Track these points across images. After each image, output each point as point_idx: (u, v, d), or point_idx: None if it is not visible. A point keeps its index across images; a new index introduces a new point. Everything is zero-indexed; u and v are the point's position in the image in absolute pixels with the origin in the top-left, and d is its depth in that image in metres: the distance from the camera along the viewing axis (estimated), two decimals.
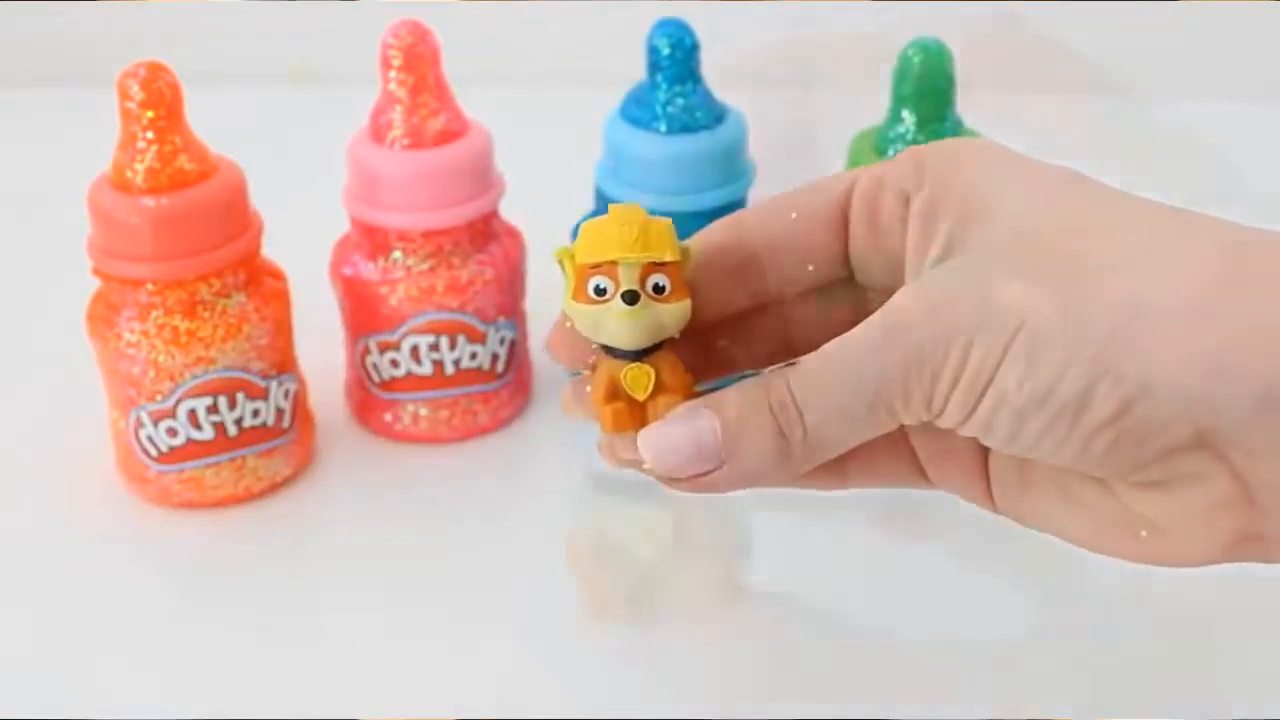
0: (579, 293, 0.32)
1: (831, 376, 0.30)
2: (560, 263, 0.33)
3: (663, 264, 0.32)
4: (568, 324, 0.34)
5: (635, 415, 0.32)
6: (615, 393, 0.32)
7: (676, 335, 0.33)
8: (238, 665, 0.46)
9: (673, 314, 0.32)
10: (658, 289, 0.32)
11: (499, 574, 0.50)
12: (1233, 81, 0.81)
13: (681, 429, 0.31)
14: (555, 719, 0.43)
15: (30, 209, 0.74)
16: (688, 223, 0.36)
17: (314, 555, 0.51)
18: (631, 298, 0.31)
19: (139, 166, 0.48)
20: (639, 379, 0.32)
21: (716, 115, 0.54)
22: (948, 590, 0.49)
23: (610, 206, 0.33)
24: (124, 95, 0.47)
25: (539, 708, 0.44)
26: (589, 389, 0.33)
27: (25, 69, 0.89)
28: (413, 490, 0.54)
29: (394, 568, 0.50)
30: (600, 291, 0.31)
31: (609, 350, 0.33)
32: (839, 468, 0.35)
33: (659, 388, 0.32)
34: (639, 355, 0.32)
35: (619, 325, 0.31)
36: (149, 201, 0.48)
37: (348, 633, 0.48)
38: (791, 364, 0.31)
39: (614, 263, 0.31)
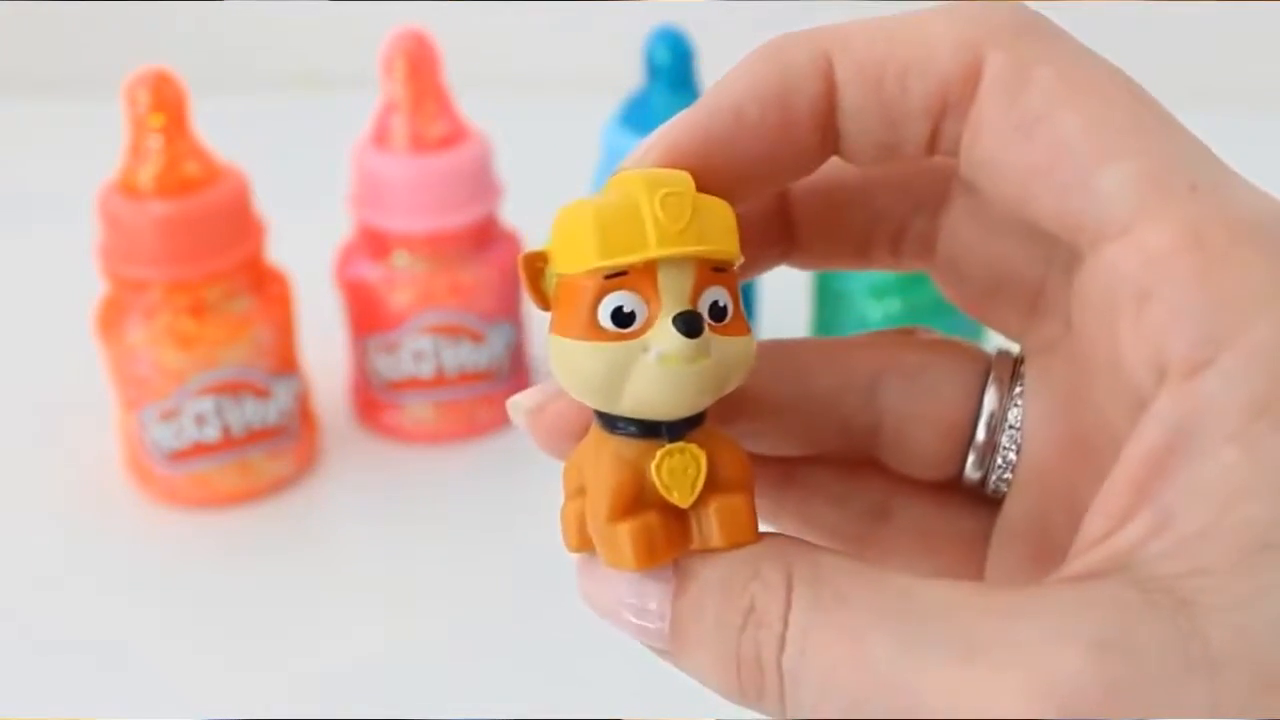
0: (572, 321, 0.19)
1: None
2: (527, 273, 0.20)
3: (725, 268, 0.19)
4: (555, 387, 0.21)
5: (674, 536, 0.19)
6: (635, 499, 0.19)
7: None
8: (241, 662, 0.47)
9: (740, 357, 0.19)
10: (718, 313, 0.19)
11: (500, 573, 0.51)
12: (1233, 87, 0.81)
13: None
14: (557, 719, 0.44)
15: (40, 214, 0.75)
16: None
17: (317, 553, 0.52)
18: (692, 325, 0.18)
19: (146, 172, 0.48)
20: (684, 470, 0.19)
21: None
22: None
23: (625, 172, 0.20)
24: (131, 102, 0.48)
25: (540, 707, 0.44)
26: (572, 499, 0.20)
27: (33, 76, 0.90)
28: (415, 490, 0.55)
29: (396, 566, 0.51)
30: (625, 319, 0.19)
31: (615, 426, 0.19)
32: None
33: (712, 484, 0.19)
34: (674, 431, 0.19)
35: (664, 380, 0.18)
36: (156, 206, 0.48)
37: (350, 630, 0.48)
38: None
39: (651, 264, 0.19)
